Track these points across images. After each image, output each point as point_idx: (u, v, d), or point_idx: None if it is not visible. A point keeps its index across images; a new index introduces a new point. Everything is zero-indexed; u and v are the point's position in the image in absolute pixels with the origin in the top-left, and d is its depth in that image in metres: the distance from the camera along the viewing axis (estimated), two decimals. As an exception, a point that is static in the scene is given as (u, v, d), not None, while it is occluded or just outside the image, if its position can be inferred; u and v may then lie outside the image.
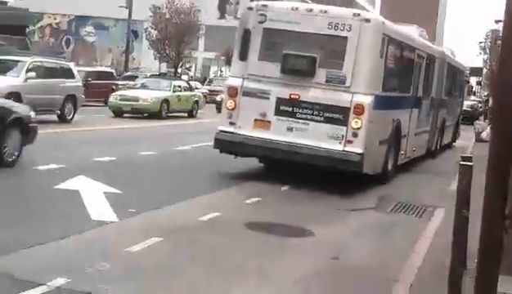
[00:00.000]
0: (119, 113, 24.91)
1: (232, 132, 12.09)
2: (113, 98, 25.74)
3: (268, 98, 11.91)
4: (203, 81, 42.04)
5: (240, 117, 12.09)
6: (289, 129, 11.78)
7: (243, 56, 12.33)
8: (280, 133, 11.75)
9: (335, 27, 11.66)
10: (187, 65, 60.94)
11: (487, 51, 52.22)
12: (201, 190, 10.46)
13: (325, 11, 11.97)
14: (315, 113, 11.64)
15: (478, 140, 24.81)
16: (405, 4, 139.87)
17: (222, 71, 68.35)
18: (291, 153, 11.59)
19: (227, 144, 12.23)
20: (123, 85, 32.02)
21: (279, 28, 12.07)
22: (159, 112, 25.64)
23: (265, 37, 12.16)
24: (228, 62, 63.66)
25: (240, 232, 8.09)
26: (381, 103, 12.07)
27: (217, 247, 7.26)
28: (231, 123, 12.14)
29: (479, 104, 44.26)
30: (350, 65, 11.51)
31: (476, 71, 43.31)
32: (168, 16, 53.66)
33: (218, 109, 33.60)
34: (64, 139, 16.46)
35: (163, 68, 55.90)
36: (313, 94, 11.69)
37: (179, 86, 28.37)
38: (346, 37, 11.56)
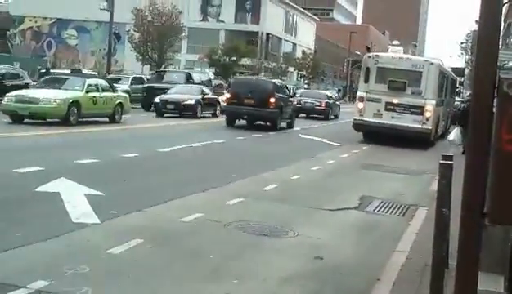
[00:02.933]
0: (16, 118, 20.60)
1: (361, 120, 22.99)
2: (7, 99, 20.97)
3: (380, 102, 22.51)
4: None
5: (365, 112, 22.78)
6: (392, 117, 22.33)
7: (366, 81, 22.97)
8: (388, 120, 22.36)
9: (416, 66, 22.72)
10: (170, 68, 60.73)
11: (469, 52, 52.53)
12: (181, 192, 10.41)
13: (410, 59, 24.40)
14: (406, 109, 22.31)
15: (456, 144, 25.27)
16: (386, 5, 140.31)
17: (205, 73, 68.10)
18: (393, 130, 22.14)
19: (359, 126, 23.42)
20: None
21: (386, 67, 22.71)
22: (67, 117, 20.73)
23: (378, 71, 22.73)
24: (212, 64, 63.71)
25: (222, 232, 8.07)
26: (437, 104, 23.11)
27: (199, 248, 7.23)
28: (361, 115, 22.91)
29: (462, 104, 44.58)
30: (424, 85, 22.33)
31: (458, 71, 43.57)
32: (150, 19, 53.56)
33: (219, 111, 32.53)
34: None
35: (146, 70, 55.72)
36: (405, 99, 22.36)
37: (95, 86, 23.04)
38: (421, 72, 22.45)
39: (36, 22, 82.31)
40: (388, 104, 22.33)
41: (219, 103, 32.68)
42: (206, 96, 30.98)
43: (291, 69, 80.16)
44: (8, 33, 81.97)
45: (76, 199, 9.02)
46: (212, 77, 45.47)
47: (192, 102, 29.18)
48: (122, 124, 23.62)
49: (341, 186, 13.07)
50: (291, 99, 30.26)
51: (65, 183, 10.12)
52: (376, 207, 10.73)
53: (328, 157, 17.94)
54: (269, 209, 9.84)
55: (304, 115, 36.43)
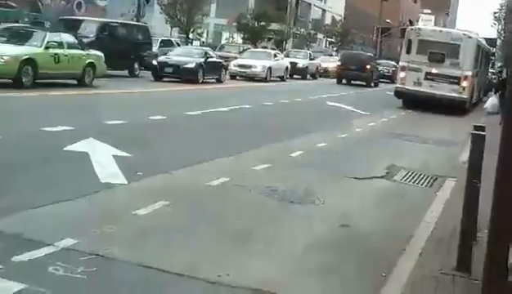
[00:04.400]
0: None
1: (403, 88, 24.96)
2: None
3: (421, 71, 24.38)
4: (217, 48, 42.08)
5: (406, 80, 24.79)
6: (431, 86, 24.24)
7: (408, 52, 24.84)
8: (427, 88, 24.25)
9: (454, 39, 24.55)
10: (199, 31, 60.52)
11: (502, 22, 51.49)
12: (208, 156, 10.41)
13: (450, 32, 26.66)
14: (444, 79, 24.12)
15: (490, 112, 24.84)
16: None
17: (233, 37, 67.76)
18: (433, 99, 24.00)
19: (401, 94, 25.26)
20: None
21: (427, 39, 24.56)
22: (18, 77, 17.45)
23: (419, 43, 24.54)
24: (240, 28, 63.28)
25: (248, 197, 8.06)
26: (473, 74, 25.10)
27: (224, 212, 7.23)
28: (402, 83, 24.94)
29: (493, 76, 43.82)
30: (462, 57, 24.09)
31: (490, 42, 42.80)
32: (179, -19, 53.20)
33: (231, 76, 32.32)
34: None
35: (175, 33, 55.57)
36: (443, 70, 24.17)
37: (58, 43, 19.37)
38: (459, 44, 24.27)
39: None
40: (427, 73, 24.29)
41: (225, 67, 30.34)
42: (209, 60, 28.59)
43: (320, 35, 79.25)
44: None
45: (104, 160, 9.07)
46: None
47: (192, 66, 26.90)
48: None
49: (369, 154, 12.99)
50: (377, 67, 43.40)
51: (94, 143, 10.17)
52: (404, 177, 10.64)
53: (357, 124, 17.81)
54: (296, 176, 9.80)
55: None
